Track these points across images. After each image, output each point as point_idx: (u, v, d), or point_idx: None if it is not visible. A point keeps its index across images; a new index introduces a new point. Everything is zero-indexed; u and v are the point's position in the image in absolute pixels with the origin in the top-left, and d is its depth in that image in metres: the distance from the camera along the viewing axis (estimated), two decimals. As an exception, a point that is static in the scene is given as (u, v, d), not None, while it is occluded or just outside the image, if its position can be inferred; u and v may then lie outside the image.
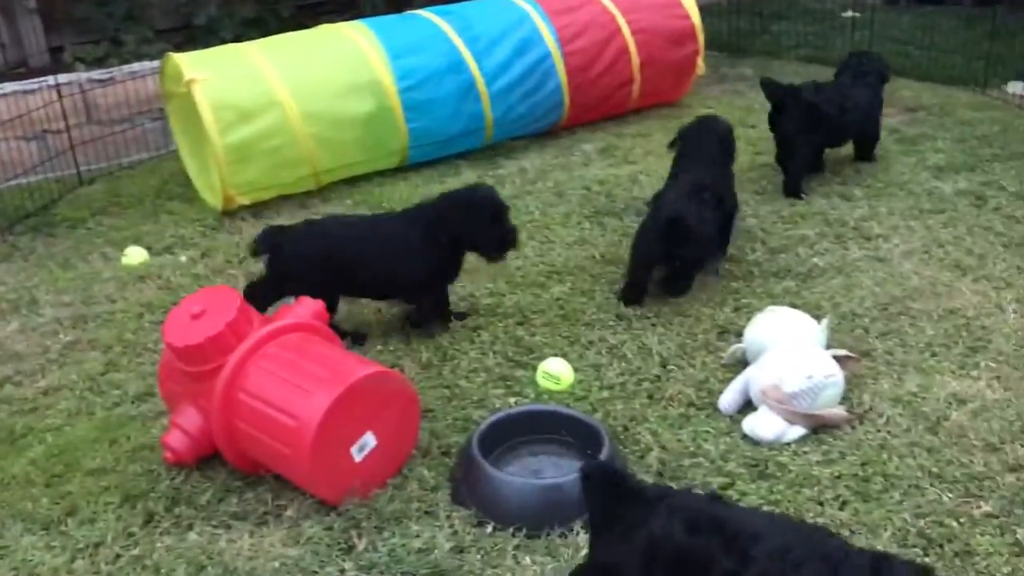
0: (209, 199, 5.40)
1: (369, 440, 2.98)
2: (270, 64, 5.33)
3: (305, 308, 3.28)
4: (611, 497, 2.36)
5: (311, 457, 2.84)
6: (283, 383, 2.96)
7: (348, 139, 5.41)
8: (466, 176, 5.63)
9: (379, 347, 3.90)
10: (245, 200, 5.23)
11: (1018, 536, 2.78)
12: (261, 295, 3.80)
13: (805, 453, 3.15)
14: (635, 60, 6.16)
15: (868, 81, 5.41)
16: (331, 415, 2.85)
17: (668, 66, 6.37)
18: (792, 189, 5.13)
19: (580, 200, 5.25)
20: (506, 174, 5.65)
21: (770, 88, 5.12)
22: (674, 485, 3.02)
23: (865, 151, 5.51)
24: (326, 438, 2.85)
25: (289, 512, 2.98)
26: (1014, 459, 3.09)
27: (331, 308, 3.83)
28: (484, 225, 3.86)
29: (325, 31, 5.78)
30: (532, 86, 5.85)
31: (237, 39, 6.56)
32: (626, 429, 3.33)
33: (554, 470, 3.09)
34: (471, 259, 4.02)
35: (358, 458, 2.96)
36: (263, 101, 5.19)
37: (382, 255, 3.86)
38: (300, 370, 2.99)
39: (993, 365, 3.60)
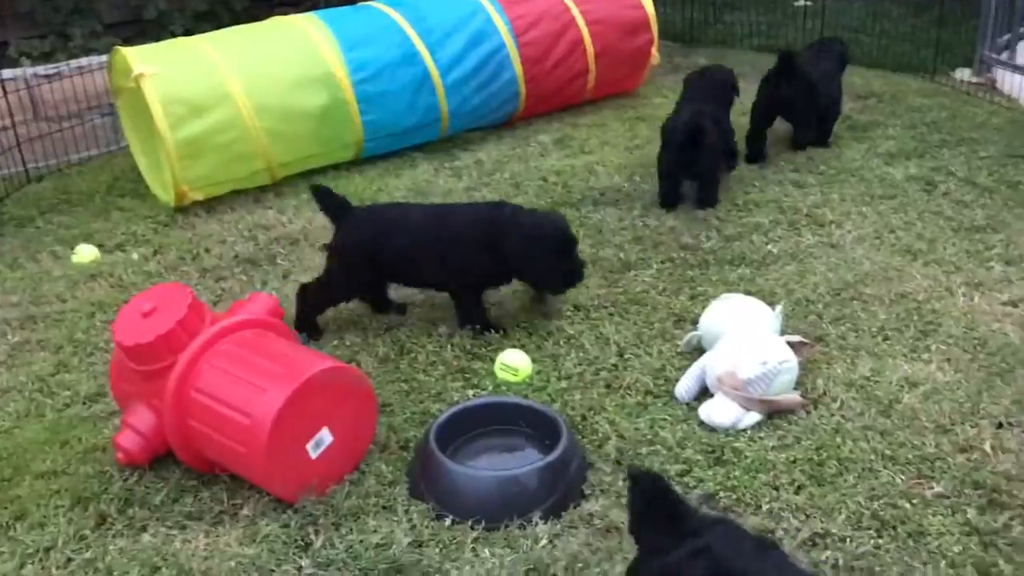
0: (161, 195, 5.32)
1: (325, 436, 2.95)
2: (221, 57, 5.25)
3: (259, 304, 3.24)
4: (650, 510, 2.23)
5: (266, 455, 2.80)
6: (236, 380, 2.92)
7: (302, 132, 5.35)
8: (422, 169, 5.60)
9: (335, 342, 3.87)
10: (198, 195, 5.16)
11: (968, 516, 2.82)
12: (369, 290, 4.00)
13: (761, 439, 3.18)
14: (590, 51, 6.17)
15: (829, 57, 5.64)
16: (286, 412, 2.82)
17: (623, 56, 6.38)
18: (803, 142, 5.55)
19: (537, 191, 5.24)
20: (463, 166, 5.63)
21: (787, 57, 5.33)
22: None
23: (823, 131, 5.63)
24: (281, 435, 2.82)
25: (245, 511, 2.95)
26: (964, 440, 3.14)
27: (353, 297, 3.99)
28: (549, 260, 3.72)
29: (277, 23, 5.71)
30: (487, 77, 5.83)
31: (188, 33, 6.47)
32: (584, 419, 3.33)
33: (513, 462, 3.08)
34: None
35: (314, 455, 2.93)
36: (215, 95, 5.12)
37: (437, 248, 3.80)
38: (254, 367, 2.95)
39: (943, 348, 3.65)
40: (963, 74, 6.72)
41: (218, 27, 6.05)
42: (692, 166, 4.82)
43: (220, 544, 2.82)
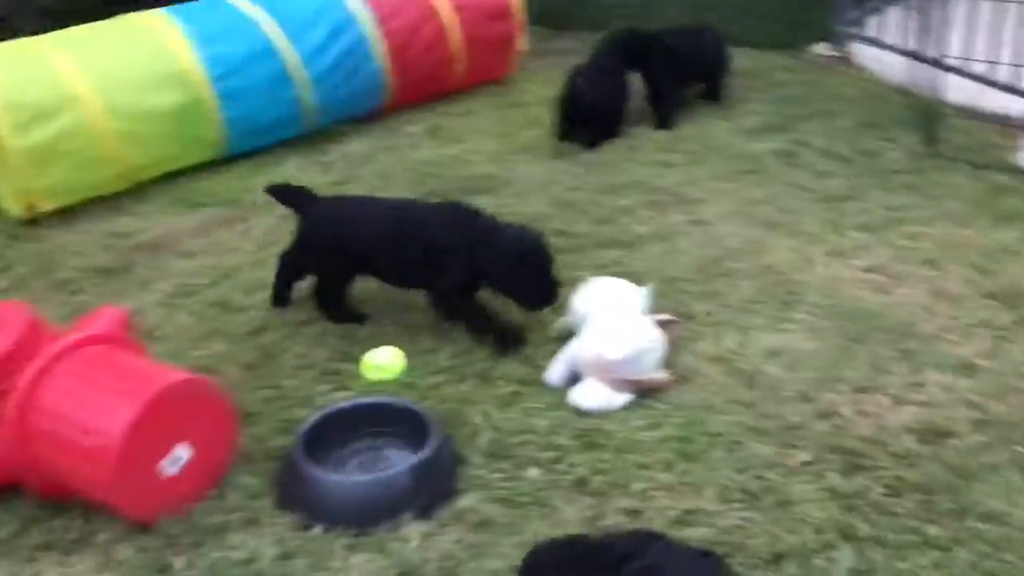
0: (8, 207, 5.02)
1: (182, 452, 2.83)
2: (67, 58, 4.99)
3: (106, 319, 3.08)
4: (569, 570, 2.17)
5: (118, 476, 2.67)
6: (82, 400, 2.77)
7: (158, 133, 5.13)
8: (291, 164, 5.45)
9: (198, 353, 3.71)
10: (50, 205, 4.90)
11: (831, 481, 2.90)
12: (292, 265, 3.94)
13: (630, 420, 3.19)
14: (456, 38, 6.09)
15: (706, 31, 5.91)
16: (136, 429, 2.68)
17: (490, 43, 6.32)
18: (665, 123, 5.64)
19: (409, 182, 5.16)
20: (331, 160, 5.50)
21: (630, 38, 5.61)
22: (507, 464, 3.03)
23: (713, 89, 5.94)
24: (133, 454, 2.69)
25: (100, 537, 2.80)
26: (825, 406, 3.22)
27: (341, 289, 3.85)
28: (523, 278, 3.58)
29: (125, 22, 5.45)
30: (351, 69, 5.69)
31: (35, 33, 6.13)
32: (457, 413, 3.28)
33: (383, 463, 3.02)
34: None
35: (171, 472, 2.80)
36: (61, 98, 4.85)
37: (406, 244, 3.67)
38: (100, 385, 2.81)
39: (805, 317, 3.74)
40: (821, 48, 6.92)
41: (67, 27, 5.75)
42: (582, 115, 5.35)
43: (73, 574, 2.67)
